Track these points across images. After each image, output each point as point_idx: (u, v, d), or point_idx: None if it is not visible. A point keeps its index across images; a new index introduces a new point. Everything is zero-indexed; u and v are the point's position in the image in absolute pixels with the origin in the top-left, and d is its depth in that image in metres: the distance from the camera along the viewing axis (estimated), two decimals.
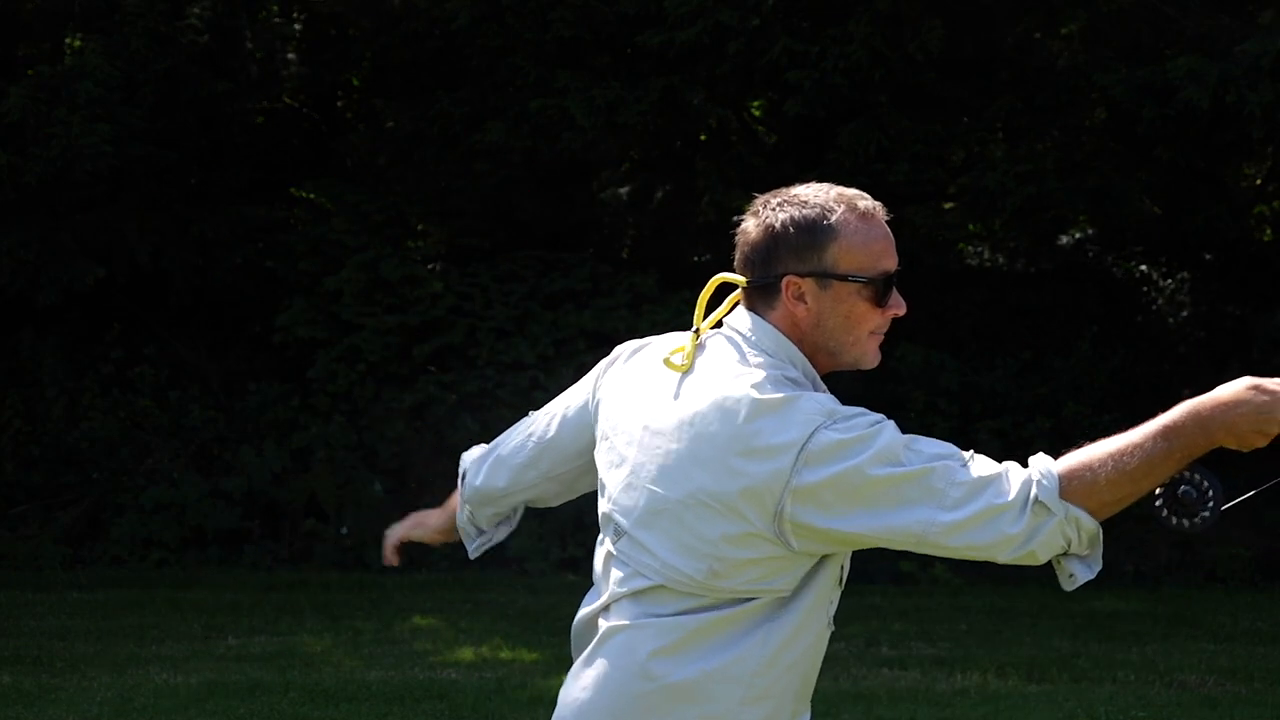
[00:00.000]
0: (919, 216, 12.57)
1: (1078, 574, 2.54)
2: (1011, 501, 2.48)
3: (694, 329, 2.72)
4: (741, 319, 2.68)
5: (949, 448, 2.53)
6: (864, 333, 2.66)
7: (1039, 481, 2.49)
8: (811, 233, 2.62)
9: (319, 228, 12.99)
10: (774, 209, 2.66)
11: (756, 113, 14.52)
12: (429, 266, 13.06)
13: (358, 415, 12.58)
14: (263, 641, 9.18)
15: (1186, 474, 2.54)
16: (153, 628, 9.53)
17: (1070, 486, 2.49)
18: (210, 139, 13.34)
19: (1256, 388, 2.45)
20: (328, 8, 13.92)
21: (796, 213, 2.63)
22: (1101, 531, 2.54)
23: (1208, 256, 14.01)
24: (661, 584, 2.59)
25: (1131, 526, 12.19)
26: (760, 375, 2.57)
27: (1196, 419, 2.46)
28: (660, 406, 2.66)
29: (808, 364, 2.66)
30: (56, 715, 7.33)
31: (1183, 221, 13.00)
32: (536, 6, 12.31)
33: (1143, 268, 14.46)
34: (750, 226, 2.68)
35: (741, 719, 2.60)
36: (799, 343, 2.65)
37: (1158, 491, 2.55)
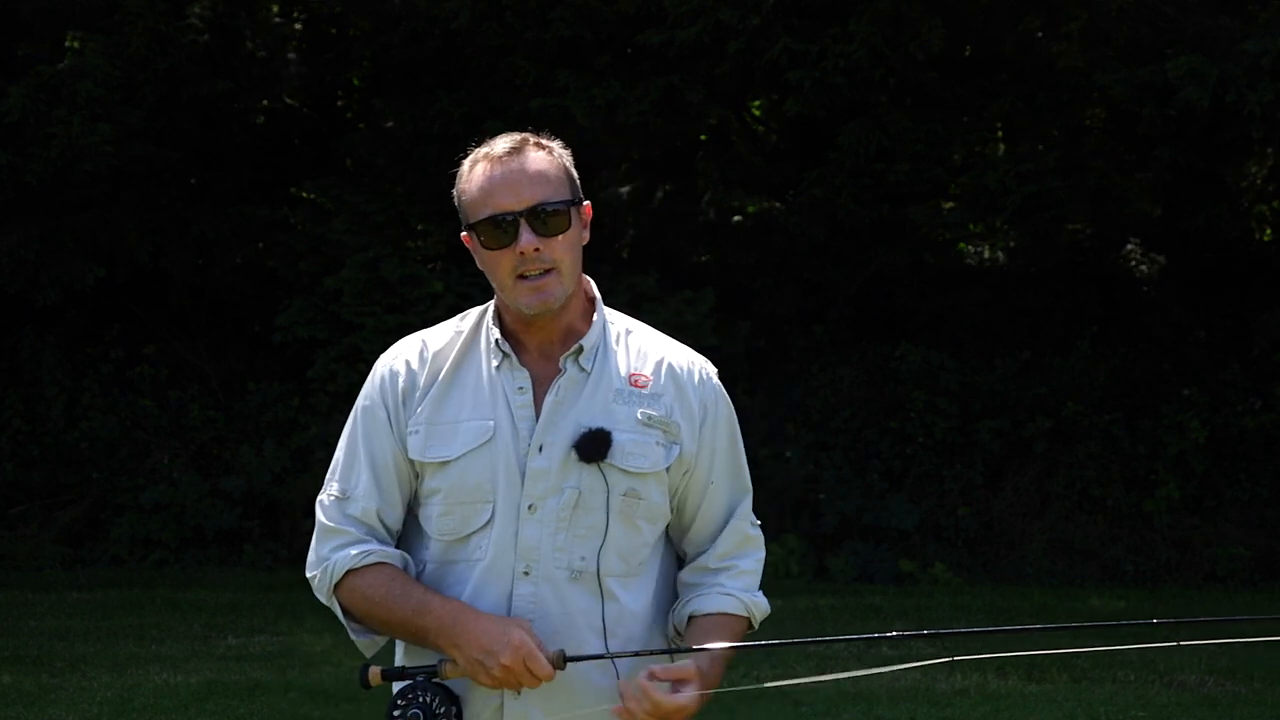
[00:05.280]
0: (919, 216, 12.56)
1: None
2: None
3: None
4: None
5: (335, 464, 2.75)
6: (505, 277, 2.67)
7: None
8: (455, 187, 2.73)
9: (319, 228, 12.98)
10: None
11: (757, 112, 14.51)
12: (429, 266, 13.05)
13: None
14: (263, 641, 9.18)
15: (425, 697, 2.57)
16: (153, 628, 9.53)
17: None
18: (210, 139, 13.34)
19: (494, 655, 2.53)
20: (328, 8, 13.91)
21: None
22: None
23: (1208, 256, 13.99)
24: None
25: (1133, 526, 12.19)
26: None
27: (442, 626, 2.57)
28: None
29: (491, 312, 2.75)
30: (56, 715, 7.33)
31: (1183, 221, 12.99)
32: (536, 6, 12.30)
33: (1143, 268, 14.44)
34: None
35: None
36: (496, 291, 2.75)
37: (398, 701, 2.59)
